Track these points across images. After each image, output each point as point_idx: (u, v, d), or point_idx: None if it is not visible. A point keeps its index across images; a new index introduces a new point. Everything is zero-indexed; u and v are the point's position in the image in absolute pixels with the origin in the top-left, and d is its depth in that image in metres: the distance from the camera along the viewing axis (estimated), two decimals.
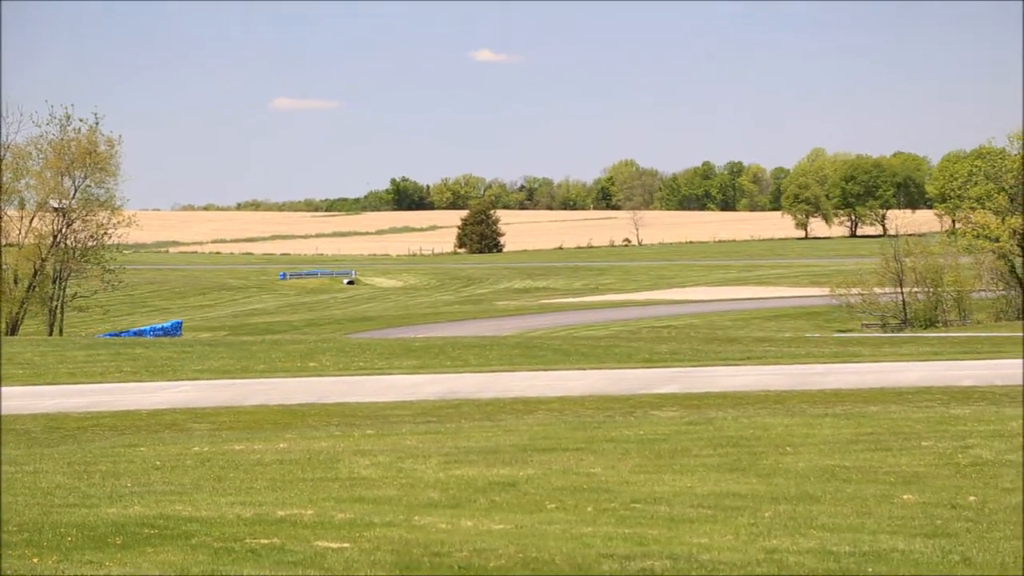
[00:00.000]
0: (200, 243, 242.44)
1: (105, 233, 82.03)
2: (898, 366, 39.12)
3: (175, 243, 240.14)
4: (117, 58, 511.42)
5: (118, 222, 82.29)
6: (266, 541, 14.48)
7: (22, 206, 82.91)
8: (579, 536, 14.45)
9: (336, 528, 15.27)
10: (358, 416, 29.80)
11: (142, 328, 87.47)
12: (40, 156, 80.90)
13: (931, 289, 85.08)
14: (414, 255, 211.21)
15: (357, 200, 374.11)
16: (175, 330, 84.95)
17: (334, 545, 14.19)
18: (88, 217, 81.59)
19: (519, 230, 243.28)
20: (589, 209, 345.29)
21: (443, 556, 13.52)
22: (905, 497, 16.66)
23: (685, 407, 29.46)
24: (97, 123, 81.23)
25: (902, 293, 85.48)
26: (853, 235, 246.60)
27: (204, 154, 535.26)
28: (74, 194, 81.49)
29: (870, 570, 12.47)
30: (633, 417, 27.69)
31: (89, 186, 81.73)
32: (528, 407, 30.65)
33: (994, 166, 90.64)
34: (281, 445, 24.00)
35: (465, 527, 15.18)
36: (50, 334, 78.25)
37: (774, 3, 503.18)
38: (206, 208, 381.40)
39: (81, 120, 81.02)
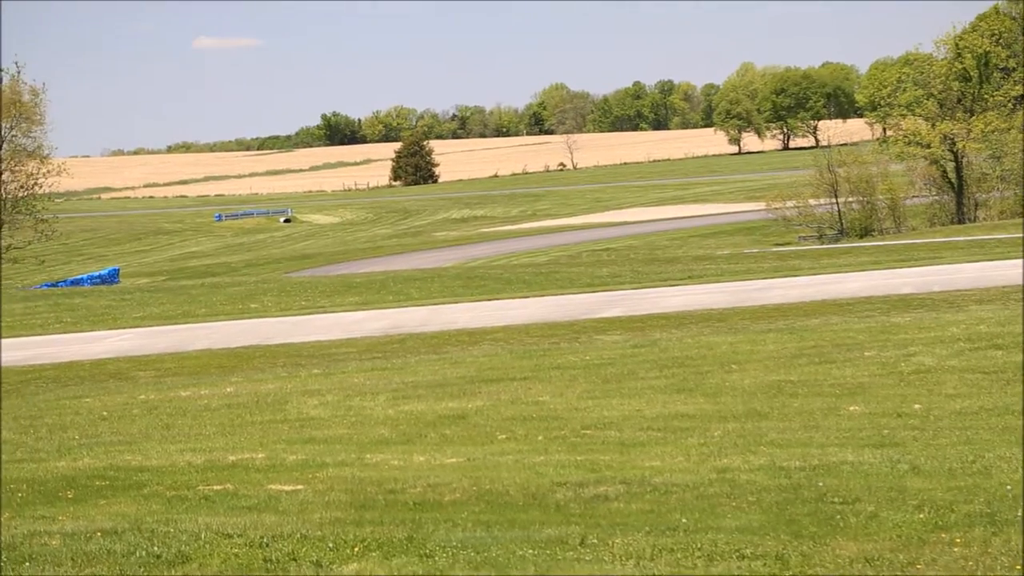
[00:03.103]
0: (132, 188, 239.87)
1: (36, 183, 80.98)
2: (837, 277, 39.42)
3: (107, 189, 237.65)
4: (33, 5, 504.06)
5: (48, 171, 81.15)
6: (219, 487, 14.43)
7: None
8: (532, 466, 14.49)
9: (288, 470, 15.23)
10: (303, 356, 29.72)
11: (79, 277, 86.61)
12: None
13: (865, 198, 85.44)
14: (349, 190, 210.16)
15: (289, 137, 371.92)
16: (112, 277, 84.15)
17: (287, 488, 14.15)
18: (17, 168, 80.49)
19: (453, 160, 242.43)
20: (522, 135, 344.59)
21: (397, 493, 13.52)
22: (851, 408, 16.82)
23: (629, 330, 29.57)
24: (19, 72, 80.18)
25: (837, 203, 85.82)
26: (786, 148, 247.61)
27: (130, 98, 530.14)
28: (1, 145, 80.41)
29: (821, 484, 12.58)
30: (578, 343, 27.77)
31: (16, 136, 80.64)
32: (473, 338, 30.68)
33: (922, 72, 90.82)
34: (228, 389, 23.90)
35: (417, 463, 15.19)
36: None
37: None
38: (136, 152, 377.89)
39: (3, 70, 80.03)
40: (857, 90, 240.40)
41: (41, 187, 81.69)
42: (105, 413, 21.75)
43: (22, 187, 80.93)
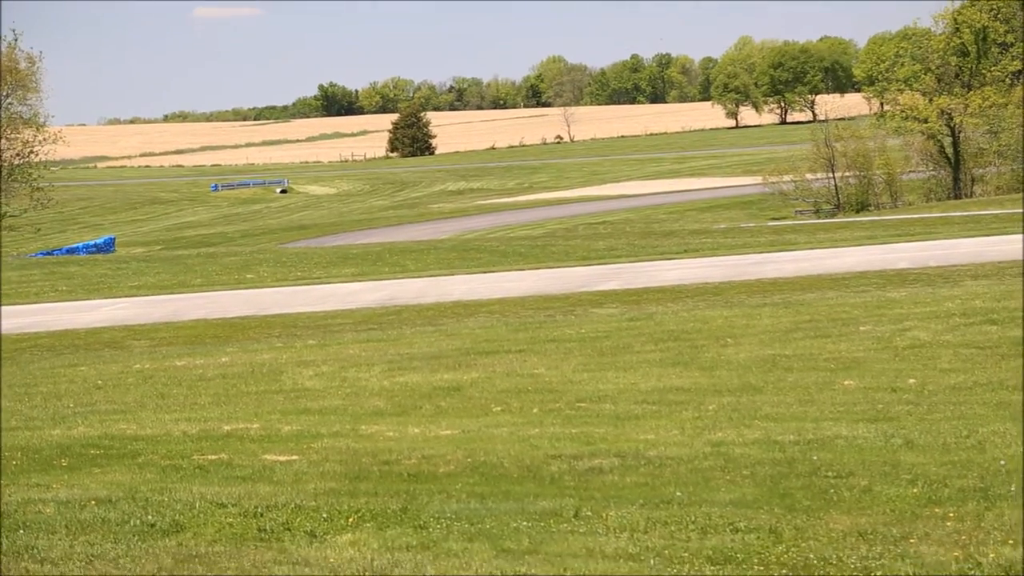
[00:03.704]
0: (129, 157, 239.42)
1: (32, 151, 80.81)
2: (834, 252, 39.40)
3: (103, 158, 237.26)
4: None
5: (44, 139, 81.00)
6: (213, 457, 14.44)
7: None
8: (526, 438, 14.50)
9: (283, 441, 15.24)
10: (299, 327, 29.72)
11: (74, 245, 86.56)
12: None
13: (862, 173, 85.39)
14: (346, 161, 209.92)
15: (286, 107, 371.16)
16: (108, 246, 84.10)
17: (282, 458, 14.16)
18: (13, 135, 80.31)
19: (450, 132, 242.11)
20: (519, 107, 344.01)
21: (392, 464, 13.53)
22: (846, 383, 16.82)
23: (625, 303, 29.57)
24: (16, 40, 79.92)
25: (834, 178, 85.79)
26: (783, 122, 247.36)
27: (127, 67, 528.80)
28: None
29: (815, 458, 12.59)
30: (574, 316, 27.76)
31: (12, 104, 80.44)
32: (469, 310, 30.67)
33: (920, 47, 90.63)
34: (223, 359, 23.90)
35: (412, 434, 15.20)
36: None
37: None
38: (132, 121, 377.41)
39: (0, 38, 79.86)
40: (855, 64, 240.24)
41: (37, 155, 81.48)
42: (100, 382, 21.75)
43: (18, 155, 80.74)
